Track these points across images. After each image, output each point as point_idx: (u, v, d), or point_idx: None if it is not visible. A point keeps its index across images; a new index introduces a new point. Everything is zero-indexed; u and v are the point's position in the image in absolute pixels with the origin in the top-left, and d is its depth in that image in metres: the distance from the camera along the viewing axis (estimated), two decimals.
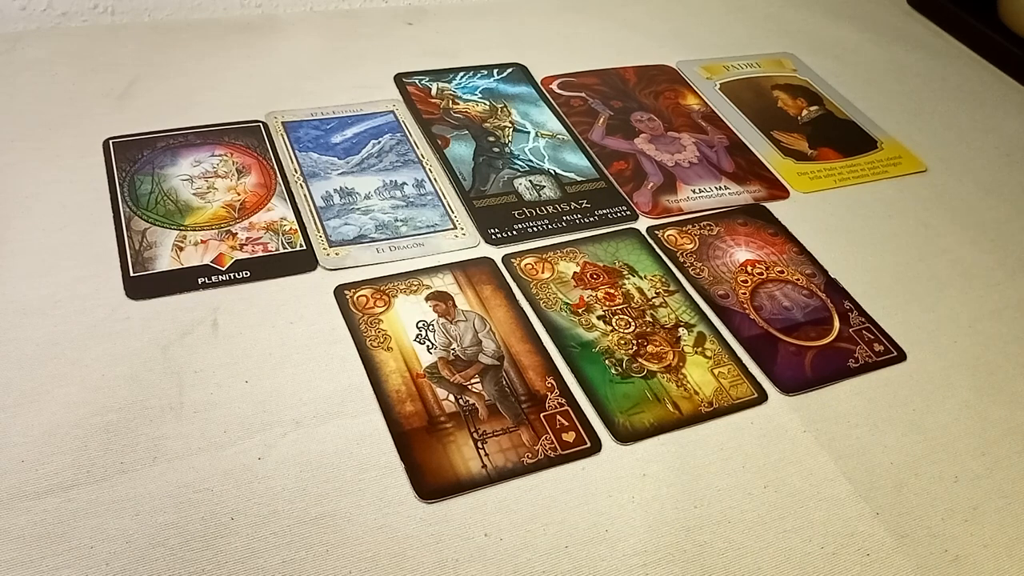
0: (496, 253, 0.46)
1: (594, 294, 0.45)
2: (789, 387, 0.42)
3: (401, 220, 0.47)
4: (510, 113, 0.56)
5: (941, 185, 0.56)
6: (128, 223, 0.45)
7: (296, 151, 0.51)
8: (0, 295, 0.41)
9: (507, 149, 0.53)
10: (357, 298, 0.43)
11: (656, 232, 0.49)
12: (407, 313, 0.42)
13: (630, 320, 0.44)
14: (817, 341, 0.44)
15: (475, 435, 0.37)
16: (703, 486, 0.37)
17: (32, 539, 0.32)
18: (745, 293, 0.46)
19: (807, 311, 0.46)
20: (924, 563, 0.36)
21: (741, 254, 0.49)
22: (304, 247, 0.45)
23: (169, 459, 0.35)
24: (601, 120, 0.57)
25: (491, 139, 0.54)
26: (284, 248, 0.45)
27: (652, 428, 0.39)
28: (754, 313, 0.45)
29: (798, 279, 0.48)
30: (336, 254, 0.45)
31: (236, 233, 0.45)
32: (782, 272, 0.48)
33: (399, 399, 0.38)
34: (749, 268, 0.48)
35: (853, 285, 0.48)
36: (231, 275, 0.43)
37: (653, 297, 0.45)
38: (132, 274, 0.42)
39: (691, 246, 0.49)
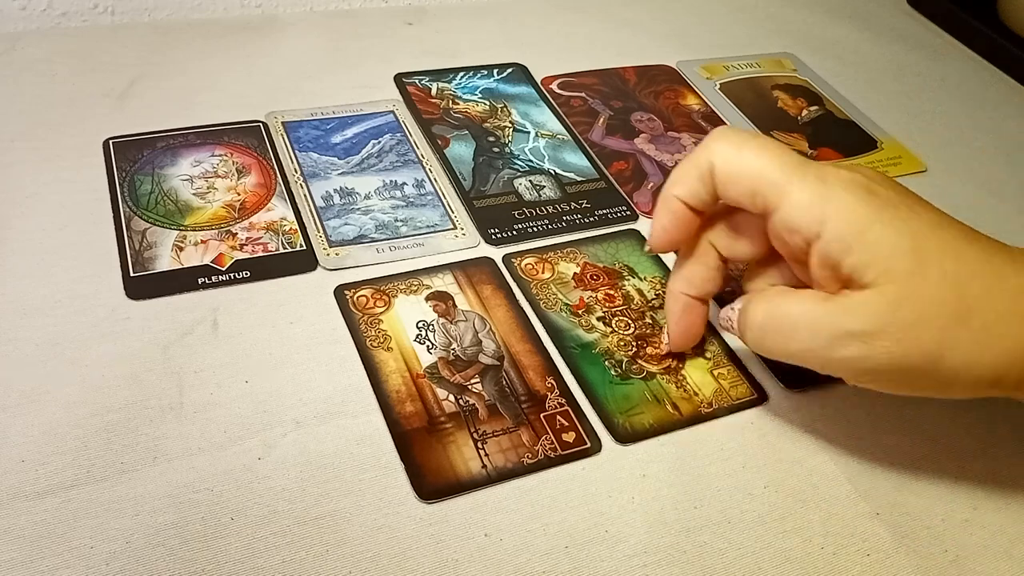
0: (496, 253, 0.46)
1: (594, 295, 0.45)
2: (793, 383, 0.42)
3: (401, 220, 0.47)
4: (510, 113, 0.56)
5: (941, 185, 0.56)
6: (128, 223, 0.45)
7: (296, 151, 0.51)
8: (0, 295, 0.41)
9: (507, 149, 0.53)
10: (357, 298, 0.43)
11: None
12: (407, 313, 0.42)
13: (630, 321, 0.44)
14: None
15: (475, 435, 0.37)
16: (703, 486, 0.37)
17: (32, 539, 0.32)
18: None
19: None
20: (924, 563, 0.36)
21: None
22: (304, 247, 0.45)
23: (169, 459, 0.35)
24: (601, 120, 0.57)
25: (491, 139, 0.54)
26: (284, 248, 0.45)
27: (652, 429, 0.39)
28: None
29: None
30: (336, 254, 0.45)
31: (236, 233, 0.45)
32: None
33: (399, 399, 0.38)
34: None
35: None
36: (231, 275, 0.43)
37: (653, 299, 0.45)
38: (132, 274, 0.42)
39: None
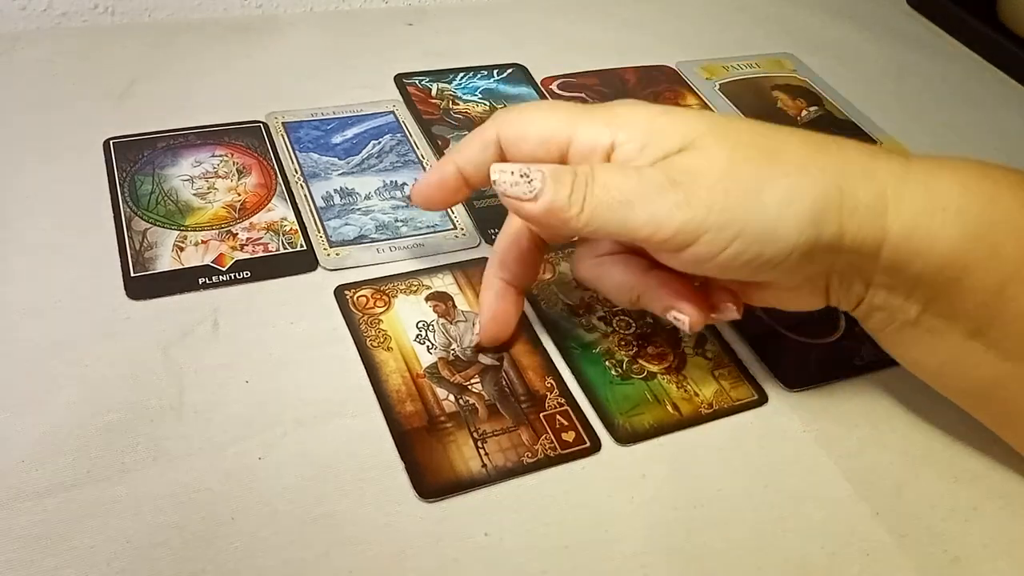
0: None
1: (595, 295, 0.45)
2: (793, 383, 0.42)
3: (401, 220, 0.47)
4: None
5: None
6: (128, 223, 0.45)
7: (296, 151, 0.51)
8: (0, 295, 0.41)
9: None
10: (357, 298, 0.43)
11: None
12: (407, 313, 0.42)
13: (630, 321, 0.44)
14: (823, 339, 0.44)
15: (475, 435, 0.37)
16: (703, 487, 0.37)
17: (32, 539, 0.32)
18: None
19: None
20: (924, 563, 0.36)
21: None
22: (304, 247, 0.45)
23: (169, 459, 0.35)
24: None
25: None
26: (284, 248, 0.45)
27: (652, 429, 0.39)
28: (760, 310, 0.45)
29: None
30: (336, 254, 0.45)
31: (236, 233, 0.45)
32: None
33: (399, 399, 0.38)
34: None
35: None
36: (231, 275, 0.43)
37: None
38: (132, 274, 0.42)
39: None
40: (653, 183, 0.32)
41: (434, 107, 0.56)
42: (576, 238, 0.40)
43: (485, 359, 0.41)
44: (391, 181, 0.50)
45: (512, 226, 0.39)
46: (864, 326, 0.38)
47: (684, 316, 0.36)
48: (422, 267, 0.45)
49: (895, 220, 0.33)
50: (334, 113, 0.54)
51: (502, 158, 0.36)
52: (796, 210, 0.32)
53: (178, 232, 0.45)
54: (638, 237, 0.33)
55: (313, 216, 0.47)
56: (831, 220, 0.32)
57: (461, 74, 0.59)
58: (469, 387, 0.39)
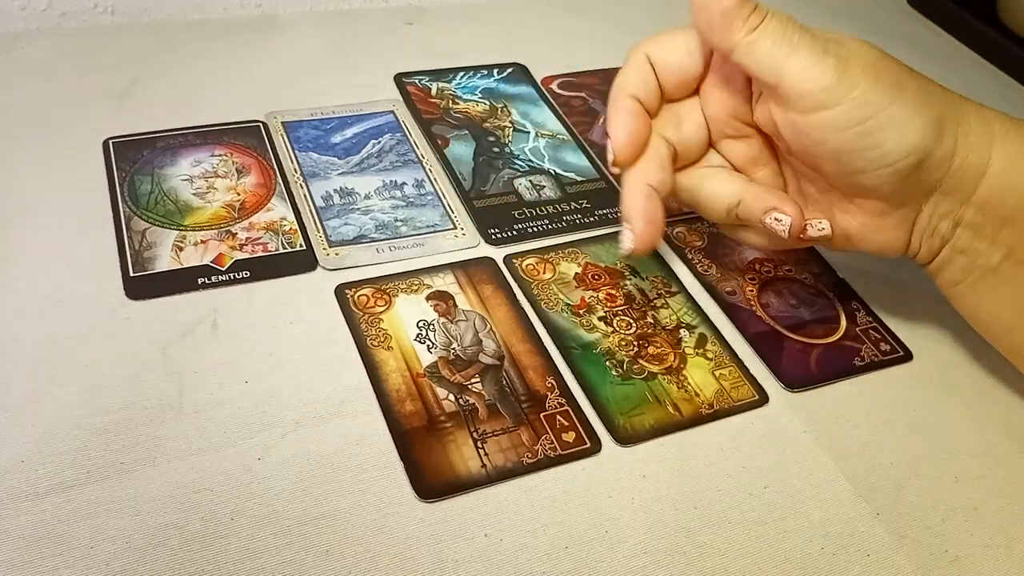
0: (497, 253, 0.46)
1: (595, 295, 0.45)
2: (794, 383, 0.42)
3: (401, 220, 0.47)
4: (510, 113, 0.56)
5: None
6: (128, 223, 0.45)
7: (296, 151, 0.51)
8: (0, 295, 0.41)
9: (507, 149, 0.53)
10: (358, 297, 0.43)
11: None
12: (408, 312, 0.42)
13: (631, 321, 0.44)
14: (823, 339, 0.44)
15: (475, 435, 0.37)
16: (703, 487, 0.37)
17: (32, 539, 0.32)
18: (752, 290, 0.46)
19: (814, 309, 0.46)
20: (924, 563, 0.36)
21: (750, 252, 0.49)
22: (304, 247, 0.45)
23: (169, 459, 0.35)
24: (601, 120, 0.57)
25: (491, 139, 0.54)
26: (284, 248, 0.45)
27: (652, 430, 0.39)
28: (761, 310, 0.45)
29: (806, 278, 0.48)
30: (336, 254, 0.45)
31: (236, 233, 0.45)
32: (790, 271, 0.48)
33: (399, 398, 0.38)
34: (757, 266, 0.48)
35: (860, 284, 0.48)
36: (231, 275, 0.43)
37: (655, 298, 0.45)
38: (132, 274, 0.42)
39: (700, 243, 0.49)
40: (818, 44, 0.36)
41: (434, 106, 0.56)
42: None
43: (485, 358, 0.41)
44: (391, 181, 0.50)
45: (655, 140, 0.40)
46: (939, 280, 0.40)
47: (786, 217, 0.39)
48: (422, 267, 0.45)
49: (999, 154, 0.36)
50: (334, 113, 0.54)
51: (656, 74, 0.39)
52: (926, 114, 0.36)
53: (177, 232, 0.45)
54: (784, 83, 0.35)
55: (312, 216, 0.47)
56: (948, 136, 0.36)
57: (461, 73, 0.59)
58: (469, 387, 0.39)
